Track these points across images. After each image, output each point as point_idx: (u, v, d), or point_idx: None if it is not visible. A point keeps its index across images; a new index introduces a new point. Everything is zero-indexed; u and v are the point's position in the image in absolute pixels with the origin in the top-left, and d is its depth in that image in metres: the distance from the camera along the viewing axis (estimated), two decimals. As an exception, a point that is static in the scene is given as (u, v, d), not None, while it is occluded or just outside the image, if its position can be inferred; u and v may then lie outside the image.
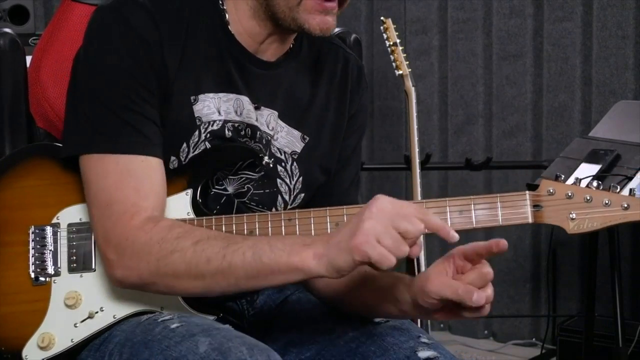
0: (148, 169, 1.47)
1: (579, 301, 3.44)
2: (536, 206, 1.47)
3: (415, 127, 2.91)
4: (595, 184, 1.45)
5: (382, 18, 3.01)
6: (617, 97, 3.22)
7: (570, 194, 1.45)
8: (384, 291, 1.50)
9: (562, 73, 3.40)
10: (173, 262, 1.40)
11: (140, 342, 1.43)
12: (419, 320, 2.80)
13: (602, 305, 3.09)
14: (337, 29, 2.04)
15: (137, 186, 1.45)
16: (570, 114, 3.40)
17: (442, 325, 3.74)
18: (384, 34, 2.96)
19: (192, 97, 1.52)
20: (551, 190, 1.46)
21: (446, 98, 3.66)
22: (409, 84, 2.93)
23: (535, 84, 3.48)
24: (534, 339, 3.55)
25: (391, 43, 2.94)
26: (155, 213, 1.45)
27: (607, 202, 1.45)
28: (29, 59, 1.97)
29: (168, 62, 1.49)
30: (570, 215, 1.45)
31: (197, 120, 1.52)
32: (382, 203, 1.31)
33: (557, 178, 1.47)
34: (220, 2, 1.57)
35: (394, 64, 2.94)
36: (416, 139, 2.91)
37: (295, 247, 1.34)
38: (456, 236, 1.32)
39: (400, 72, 2.94)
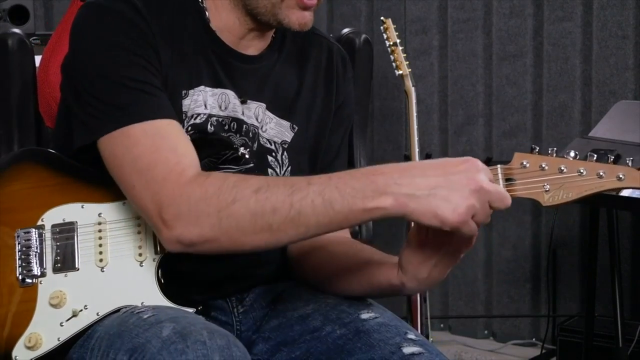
0: (176, 131, 1.46)
1: (579, 301, 3.44)
2: (509, 180, 1.41)
3: (415, 127, 2.91)
4: (572, 154, 1.40)
5: (382, 18, 3.01)
6: (617, 97, 3.22)
7: (544, 166, 1.40)
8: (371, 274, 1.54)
9: (562, 73, 3.40)
10: (235, 213, 1.35)
11: (115, 333, 1.44)
12: (418, 323, 2.80)
13: (602, 305, 3.09)
14: (346, 30, 2.05)
15: (173, 146, 1.43)
16: (570, 114, 3.40)
17: (442, 325, 3.74)
18: (384, 34, 2.97)
19: (183, 92, 1.54)
20: (524, 163, 1.41)
21: (446, 98, 3.66)
22: (409, 84, 2.93)
23: (535, 84, 3.48)
24: (534, 339, 3.55)
25: (391, 43, 2.94)
26: (200, 170, 1.42)
27: (582, 171, 1.38)
28: (37, 58, 1.98)
29: (162, 55, 1.51)
30: (545, 187, 1.40)
31: (183, 114, 1.54)
32: (484, 182, 1.31)
33: (532, 150, 1.43)
34: (200, 0, 1.59)
35: (394, 64, 2.94)
36: (416, 139, 2.91)
37: (367, 192, 1.30)
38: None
39: (400, 72, 2.94)
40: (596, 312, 2.96)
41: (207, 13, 1.58)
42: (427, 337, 2.87)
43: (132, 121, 1.44)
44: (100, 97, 1.46)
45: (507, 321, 3.61)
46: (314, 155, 1.69)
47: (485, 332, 3.66)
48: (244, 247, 1.38)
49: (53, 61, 2.06)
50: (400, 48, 2.94)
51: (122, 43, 1.47)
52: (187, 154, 1.43)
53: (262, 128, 1.62)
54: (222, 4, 1.58)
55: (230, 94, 1.59)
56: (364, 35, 2.03)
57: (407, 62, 2.94)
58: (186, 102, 1.54)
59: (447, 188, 1.29)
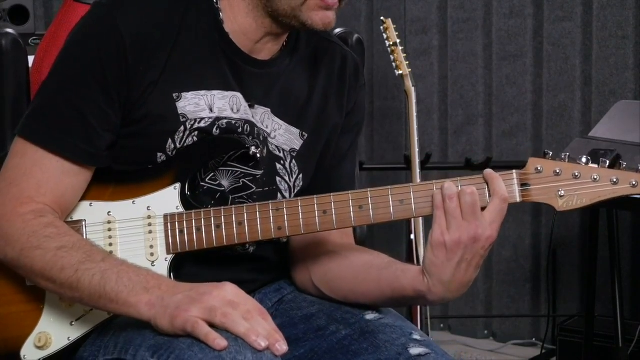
0: (59, 171, 1.50)
1: (579, 301, 3.44)
2: (524, 185, 1.44)
3: (415, 127, 2.91)
4: (584, 159, 1.42)
5: (382, 18, 3.01)
6: (617, 97, 3.22)
7: (558, 171, 1.43)
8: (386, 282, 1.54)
9: (562, 73, 3.40)
10: (33, 258, 1.45)
11: (134, 330, 1.44)
12: (418, 321, 2.80)
13: (602, 305, 3.09)
14: (339, 29, 2.04)
15: (40, 182, 1.49)
16: (570, 114, 3.40)
17: (442, 326, 3.74)
18: (384, 34, 2.97)
19: (174, 95, 1.52)
20: (539, 168, 1.44)
21: (446, 98, 3.66)
22: (409, 84, 2.93)
23: (535, 84, 3.48)
24: (534, 339, 3.55)
25: (391, 43, 2.94)
26: (44, 209, 1.49)
27: (595, 177, 1.42)
28: (30, 59, 1.97)
29: (152, 60, 1.50)
30: (559, 193, 1.43)
31: (181, 117, 1.52)
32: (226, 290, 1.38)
33: (545, 155, 1.45)
34: (215, 1, 1.57)
35: (394, 64, 2.94)
36: (416, 139, 2.91)
37: (137, 287, 1.40)
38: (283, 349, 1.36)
39: (400, 72, 2.94)
40: (596, 312, 2.96)
41: (221, 14, 1.56)
42: (427, 337, 2.87)
43: (34, 140, 1.50)
44: (35, 102, 1.53)
45: (507, 321, 3.61)
46: (321, 159, 1.67)
47: (485, 332, 3.66)
48: (36, 284, 1.50)
49: (47, 61, 2.05)
50: (400, 48, 2.94)
51: (87, 67, 1.50)
52: (46, 195, 1.49)
53: (271, 135, 1.61)
54: (238, 6, 1.56)
55: (240, 97, 1.57)
56: (356, 35, 2.02)
57: (407, 62, 2.94)
58: (181, 104, 1.52)
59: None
